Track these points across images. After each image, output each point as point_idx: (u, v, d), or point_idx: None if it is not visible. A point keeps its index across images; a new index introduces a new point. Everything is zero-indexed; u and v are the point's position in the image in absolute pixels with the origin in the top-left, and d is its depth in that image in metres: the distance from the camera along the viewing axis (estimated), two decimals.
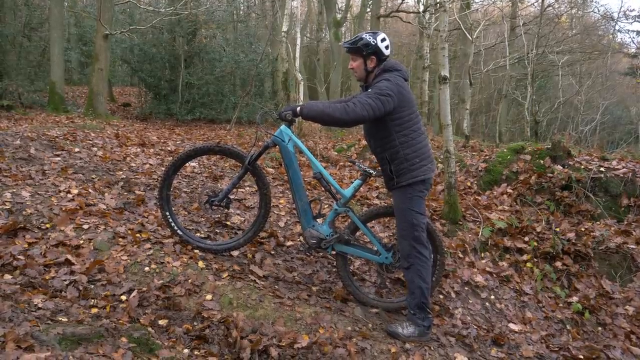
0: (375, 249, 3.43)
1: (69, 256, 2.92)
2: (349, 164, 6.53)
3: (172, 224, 3.40)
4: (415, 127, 3.02)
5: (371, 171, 3.28)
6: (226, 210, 3.58)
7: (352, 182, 3.40)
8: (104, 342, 2.17)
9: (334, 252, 3.39)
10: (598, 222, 4.73)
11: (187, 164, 5.06)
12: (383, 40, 3.02)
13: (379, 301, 3.49)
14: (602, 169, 5.07)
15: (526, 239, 4.50)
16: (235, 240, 3.51)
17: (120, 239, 3.26)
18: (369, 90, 2.94)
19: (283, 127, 3.21)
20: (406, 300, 3.20)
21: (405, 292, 3.69)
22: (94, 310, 2.55)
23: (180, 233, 3.40)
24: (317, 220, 3.38)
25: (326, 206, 4.55)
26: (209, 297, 2.84)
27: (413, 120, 3.01)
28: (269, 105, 13.90)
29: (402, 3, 14.96)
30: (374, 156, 3.29)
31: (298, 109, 2.96)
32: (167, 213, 3.39)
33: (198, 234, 3.72)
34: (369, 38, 3.01)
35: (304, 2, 20.47)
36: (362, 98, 2.85)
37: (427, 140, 3.13)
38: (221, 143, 3.43)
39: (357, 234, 3.50)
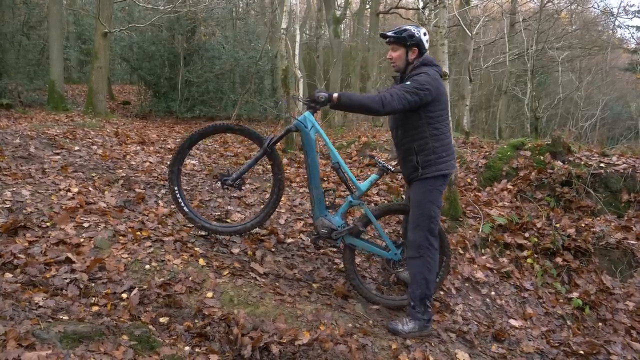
0: (384, 244, 3.44)
1: (69, 254, 2.92)
2: (349, 160, 6.52)
3: (179, 200, 3.35)
4: (445, 122, 3.12)
5: (390, 167, 3.33)
6: (238, 191, 3.54)
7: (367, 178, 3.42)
8: (105, 340, 2.17)
9: (342, 244, 3.40)
10: (598, 218, 4.73)
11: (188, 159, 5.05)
12: (425, 34, 3.13)
13: (382, 297, 3.49)
14: (602, 164, 5.07)
15: (526, 235, 4.50)
16: (241, 224, 3.47)
17: (120, 237, 3.26)
18: (407, 82, 2.98)
19: (307, 113, 3.21)
20: (409, 291, 3.19)
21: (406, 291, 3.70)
22: (95, 308, 2.55)
23: (186, 210, 3.36)
24: (329, 210, 3.39)
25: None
26: (209, 294, 2.84)
27: (443, 116, 3.11)
28: (269, 102, 13.88)
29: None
30: (395, 148, 3.30)
31: (335, 95, 2.96)
32: (176, 188, 3.35)
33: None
34: (414, 30, 3.10)
35: None
36: (400, 91, 2.91)
37: (451, 137, 3.21)
38: (241, 123, 3.46)
39: (367, 228, 3.51)
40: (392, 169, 3.34)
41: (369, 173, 5.59)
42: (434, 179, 3.06)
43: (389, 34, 3.14)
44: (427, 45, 3.14)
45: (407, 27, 3.11)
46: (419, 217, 3.08)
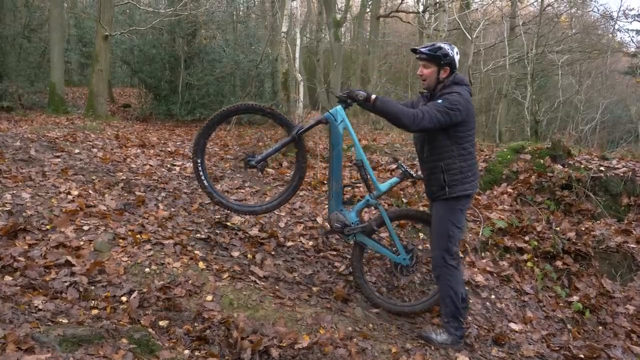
0: (394, 248, 3.45)
1: (69, 257, 2.92)
2: (349, 164, 6.51)
3: (200, 173, 3.35)
4: (472, 142, 3.11)
5: (412, 173, 3.35)
6: (259, 173, 3.57)
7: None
8: (104, 344, 2.17)
9: (352, 241, 3.41)
10: (598, 222, 4.72)
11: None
12: (457, 53, 3.08)
13: (383, 300, 3.49)
14: (602, 168, 5.07)
15: (526, 238, 4.50)
16: (258, 205, 3.53)
17: (120, 240, 3.26)
18: (439, 101, 2.95)
19: (339, 107, 3.23)
20: (440, 308, 3.24)
21: (405, 297, 3.70)
22: (95, 312, 2.55)
23: (206, 184, 3.38)
24: (345, 206, 3.39)
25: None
26: (209, 297, 2.84)
27: (471, 136, 3.09)
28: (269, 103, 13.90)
29: (401, 3, 14.97)
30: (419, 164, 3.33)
31: (373, 96, 3.00)
32: (199, 161, 3.35)
33: (198, 235, 3.72)
34: (448, 48, 3.03)
35: (303, 3, 20.47)
36: (432, 110, 2.89)
37: (476, 157, 3.20)
38: (273, 107, 3.50)
39: (380, 229, 3.54)
40: (414, 175, 3.35)
41: None
42: (458, 199, 3.06)
43: (423, 50, 3.05)
44: (457, 65, 3.09)
45: (442, 45, 3.03)
46: (437, 236, 3.12)
